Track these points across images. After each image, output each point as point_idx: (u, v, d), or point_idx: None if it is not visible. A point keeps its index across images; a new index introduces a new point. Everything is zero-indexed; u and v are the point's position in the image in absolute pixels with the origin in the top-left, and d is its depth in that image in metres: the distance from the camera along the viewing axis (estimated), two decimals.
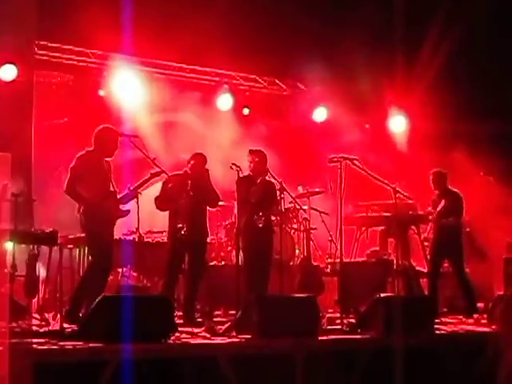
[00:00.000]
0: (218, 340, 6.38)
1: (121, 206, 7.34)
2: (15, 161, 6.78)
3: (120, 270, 8.63)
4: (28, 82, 9.62)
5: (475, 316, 8.57)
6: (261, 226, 8.04)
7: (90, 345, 5.68)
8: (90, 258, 7.26)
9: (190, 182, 7.75)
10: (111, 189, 7.26)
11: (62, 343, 5.77)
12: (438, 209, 9.12)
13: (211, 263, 9.00)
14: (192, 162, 7.97)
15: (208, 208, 8.10)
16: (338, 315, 7.60)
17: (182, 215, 7.63)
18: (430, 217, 9.27)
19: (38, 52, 10.13)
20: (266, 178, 8.25)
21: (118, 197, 7.30)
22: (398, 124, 12.60)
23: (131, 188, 7.39)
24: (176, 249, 7.77)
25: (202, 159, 8.03)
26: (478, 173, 10.75)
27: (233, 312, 7.83)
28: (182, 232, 7.57)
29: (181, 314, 7.67)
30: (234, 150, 10.02)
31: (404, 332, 6.54)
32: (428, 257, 9.48)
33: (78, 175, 7.04)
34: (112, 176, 7.30)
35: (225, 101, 11.76)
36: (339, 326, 7.21)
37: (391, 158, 11.69)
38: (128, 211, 7.48)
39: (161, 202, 7.94)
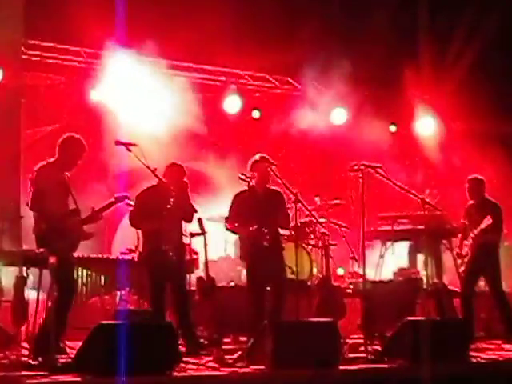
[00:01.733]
0: (228, 371, 6.40)
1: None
2: (2, 173, 6.84)
3: (118, 292, 8.66)
4: (15, 85, 9.70)
5: None
6: (266, 244, 7.91)
7: (86, 378, 5.72)
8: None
9: (170, 195, 7.71)
10: (73, 206, 7.15)
11: (54, 376, 5.81)
12: (484, 226, 9.00)
13: (219, 285, 9.03)
14: (168, 174, 7.95)
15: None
16: (362, 341, 7.60)
17: (165, 235, 7.61)
18: (472, 234, 9.17)
19: (26, 52, 10.20)
20: (271, 187, 8.21)
21: (82, 217, 7.21)
22: (426, 126, 12.58)
23: (95, 210, 7.32)
24: (158, 272, 7.73)
25: (180, 170, 8.03)
26: None
27: (244, 339, 7.84)
28: (170, 253, 7.55)
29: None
30: (242, 157, 10.04)
31: (435, 360, 6.53)
32: (462, 275, 9.42)
33: (41, 189, 6.92)
34: (73, 192, 7.19)
35: (232, 103, 11.78)
36: (363, 354, 7.20)
37: (419, 164, 11.68)
38: (92, 234, 7.40)
39: (139, 220, 7.88)
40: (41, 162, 7.21)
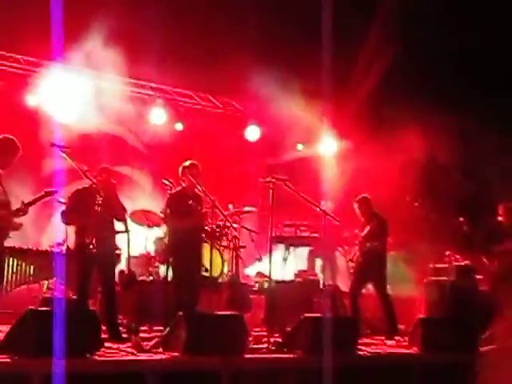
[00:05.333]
0: (145, 356, 6.38)
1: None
2: None
3: (46, 282, 8.52)
4: None
5: (396, 338, 8.78)
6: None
7: (14, 358, 5.61)
8: None
9: (99, 195, 7.66)
10: (3, 198, 7.02)
11: None
12: (363, 233, 9.33)
13: (139, 278, 8.98)
14: (99, 176, 7.92)
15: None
16: (265, 334, 7.70)
17: (91, 230, 7.56)
18: (357, 241, 9.46)
19: None
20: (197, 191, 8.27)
21: (12, 210, 7.08)
22: (328, 145, 12.81)
23: (25, 203, 7.19)
24: (84, 264, 7.68)
25: (110, 173, 8.06)
26: (404, 197, 11.00)
27: (159, 328, 7.82)
28: (91, 247, 7.47)
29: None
30: (166, 165, 10.02)
31: (329, 352, 6.66)
32: (352, 278, 9.64)
33: None
34: (5, 186, 7.06)
35: (158, 115, 11.80)
36: (266, 345, 7.29)
37: (321, 179, 11.88)
38: (20, 225, 7.23)
39: (68, 216, 7.89)
40: None
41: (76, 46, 9.73)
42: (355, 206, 9.49)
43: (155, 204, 9.53)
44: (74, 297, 8.13)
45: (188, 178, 8.16)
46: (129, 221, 8.45)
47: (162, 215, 8.31)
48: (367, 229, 9.29)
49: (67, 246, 8.47)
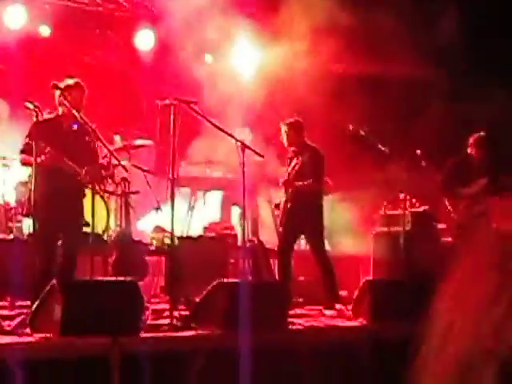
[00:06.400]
0: (6, 339, 6.36)
1: None
2: None
3: None
4: None
5: (337, 307, 8.99)
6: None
7: None
8: None
9: None
10: None
11: None
12: (291, 169, 9.26)
13: None
14: None
15: None
16: (167, 306, 7.77)
17: None
18: (281, 179, 9.39)
19: None
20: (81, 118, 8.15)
21: None
22: (246, 54, 12.64)
23: None
24: None
25: None
26: (345, 123, 10.95)
27: (24, 302, 7.78)
28: None
29: None
30: (29, 82, 9.82)
31: (251, 327, 6.79)
32: (280, 230, 9.70)
33: None
34: None
35: (15, 15, 11.50)
36: (168, 320, 7.36)
37: (238, 100, 11.80)
38: None
39: None
40: None
41: None
42: (282, 131, 9.41)
43: (14, 135, 9.35)
44: None
45: (67, 102, 8.00)
46: None
47: (22, 150, 8.13)
48: (296, 163, 9.23)
49: None
